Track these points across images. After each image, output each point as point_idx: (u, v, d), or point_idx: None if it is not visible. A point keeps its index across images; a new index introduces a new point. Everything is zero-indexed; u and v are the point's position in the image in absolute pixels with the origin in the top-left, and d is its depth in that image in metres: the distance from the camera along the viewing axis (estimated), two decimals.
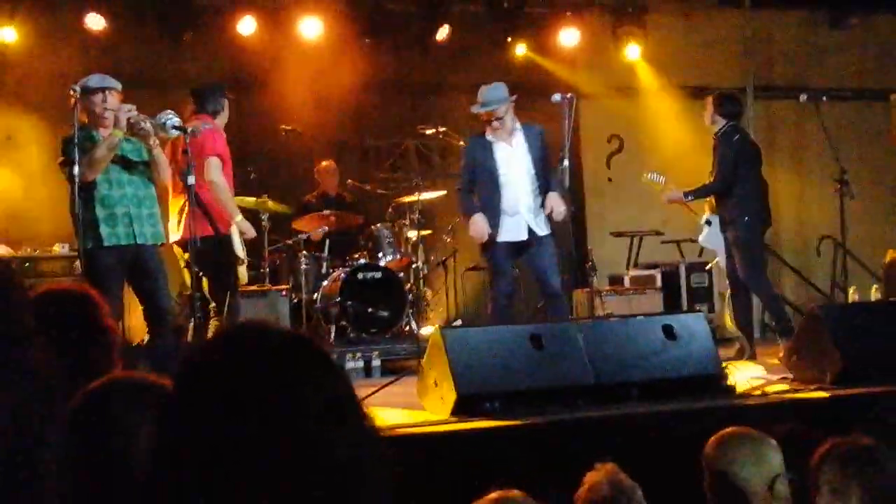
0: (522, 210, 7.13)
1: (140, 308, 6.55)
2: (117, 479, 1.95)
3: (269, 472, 1.32)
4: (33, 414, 1.59)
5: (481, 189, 7.19)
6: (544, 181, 7.18)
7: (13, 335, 1.63)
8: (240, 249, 6.85)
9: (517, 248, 7.17)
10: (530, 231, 7.13)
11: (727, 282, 8.18)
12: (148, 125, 6.33)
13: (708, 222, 8.08)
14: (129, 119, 6.29)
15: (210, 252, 6.63)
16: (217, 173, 6.76)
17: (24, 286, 1.75)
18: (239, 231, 6.93)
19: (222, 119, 7.20)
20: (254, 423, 1.33)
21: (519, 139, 7.22)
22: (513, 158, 7.18)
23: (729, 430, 3.33)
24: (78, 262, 6.49)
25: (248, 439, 1.33)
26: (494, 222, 7.08)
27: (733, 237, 7.83)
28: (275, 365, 1.38)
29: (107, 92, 6.45)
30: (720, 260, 8.14)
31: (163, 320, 6.47)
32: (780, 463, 3.24)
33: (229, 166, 7.02)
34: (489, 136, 7.21)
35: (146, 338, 6.41)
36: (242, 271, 6.93)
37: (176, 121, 6.42)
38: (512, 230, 7.12)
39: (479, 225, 7.06)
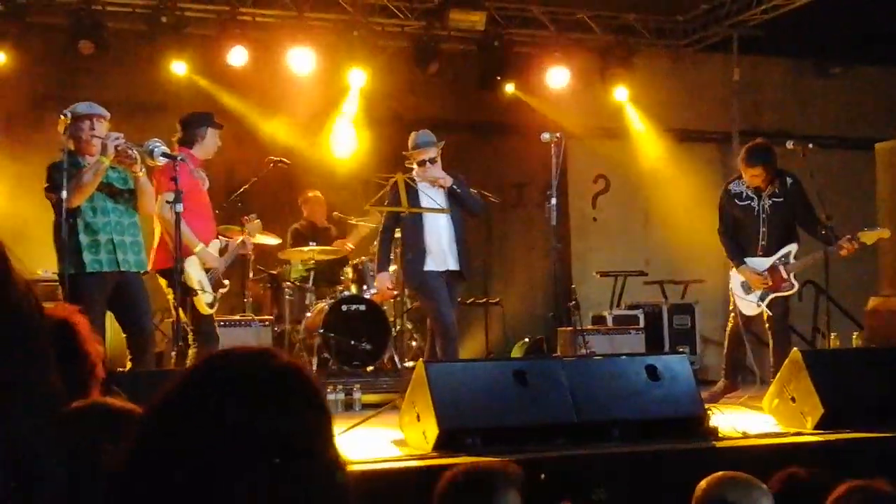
0: (443, 247, 7.41)
1: (118, 335, 6.53)
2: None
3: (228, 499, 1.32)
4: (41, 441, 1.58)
5: (404, 228, 7.49)
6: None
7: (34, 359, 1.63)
8: (195, 280, 6.82)
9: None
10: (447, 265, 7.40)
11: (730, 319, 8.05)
12: (135, 152, 6.33)
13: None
14: (116, 146, 6.28)
15: (171, 282, 6.64)
16: (166, 209, 6.68)
17: (43, 310, 1.74)
18: (201, 261, 6.95)
19: (201, 149, 7.17)
20: (218, 450, 1.33)
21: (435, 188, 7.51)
22: (436, 196, 7.42)
23: (720, 474, 3.29)
24: (59, 288, 6.44)
25: (210, 468, 1.33)
26: (420, 256, 7.36)
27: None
28: (249, 393, 1.38)
29: (94, 119, 6.45)
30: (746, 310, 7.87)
31: (146, 348, 6.45)
32: None
33: (198, 196, 6.98)
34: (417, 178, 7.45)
35: (128, 365, 6.37)
36: (201, 300, 6.91)
37: (163, 148, 6.41)
38: (436, 262, 7.39)
39: (383, 282, 7.65)
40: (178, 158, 6.61)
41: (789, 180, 7.71)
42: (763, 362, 7.98)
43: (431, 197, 7.36)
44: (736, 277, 7.85)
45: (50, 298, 7.80)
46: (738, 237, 7.82)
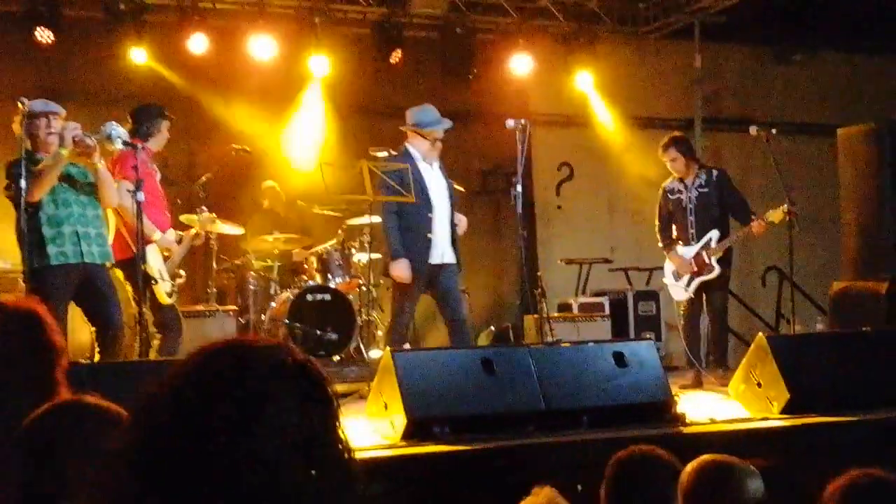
0: (444, 235, 7.26)
1: (83, 328, 6.46)
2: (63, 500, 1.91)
3: (236, 495, 1.30)
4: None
5: (411, 208, 7.16)
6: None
7: None
8: (155, 269, 6.76)
9: (434, 272, 7.23)
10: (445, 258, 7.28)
11: (680, 310, 8.30)
12: (93, 141, 6.25)
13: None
14: (74, 137, 6.19)
15: (129, 272, 6.63)
16: (124, 197, 6.62)
17: None
18: (160, 249, 6.90)
19: (155, 141, 7.22)
20: (224, 444, 1.32)
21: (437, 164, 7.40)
22: (440, 181, 7.31)
23: (707, 456, 3.26)
24: (21, 280, 6.36)
25: (218, 460, 1.31)
26: (425, 243, 7.14)
27: (727, 271, 8.13)
28: (257, 384, 1.38)
29: (51, 116, 6.37)
30: (675, 295, 8.23)
31: (116, 341, 6.38)
32: (762, 491, 3.18)
33: (152, 186, 6.94)
34: (421, 156, 7.26)
35: (96, 358, 6.29)
36: (160, 290, 6.86)
37: (121, 131, 6.33)
38: (437, 252, 7.22)
39: (404, 270, 7.09)
40: (138, 147, 6.56)
41: (715, 172, 8.30)
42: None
43: (435, 181, 7.28)
44: (668, 267, 8.35)
45: (8, 290, 7.74)
46: (674, 229, 8.28)
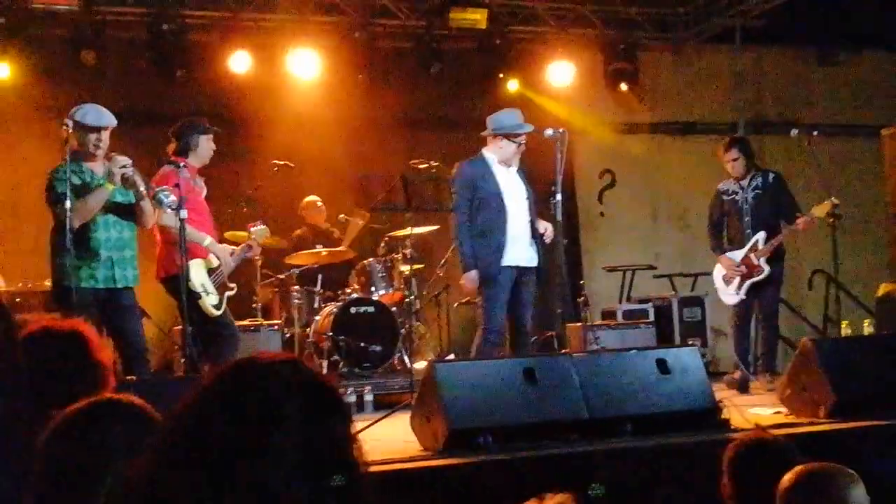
0: (523, 238, 7.21)
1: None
2: (89, 497, 1.94)
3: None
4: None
5: (485, 214, 7.18)
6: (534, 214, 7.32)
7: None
8: (197, 283, 6.82)
9: (513, 277, 7.18)
10: (527, 261, 7.21)
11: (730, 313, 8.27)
12: (142, 188, 6.33)
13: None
14: (123, 175, 6.27)
15: (174, 289, 6.70)
16: (166, 217, 6.67)
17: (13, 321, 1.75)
18: (205, 264, 6.95)
19: (196, 156, 7.15)
20: (247, 456, 1.34)
21: (514, 169, 7.35)
22: (517, 185, 7.28)
23: (807, 465, 3.21)
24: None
25: (227, 470, 1.33)
26: (499, 248, 7.10)
27: (778, 272, 8.12)
28: (272, 399, 1.39)
29: (102, 131, 6.45)
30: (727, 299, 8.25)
31: (139, 359, 6.45)
32: (865, 498, 3.12)
33: (196, 203, 6.98)
34: (498, 161, 7.25)
35: (130, 372, 6.38)
36: (205, 303, 6.91)
37: (172, 199, 6.36)
38: (511, 256, 7.16)
39: (471, 281, 7.13)
40: (181, 165, 6.65)
41: (771, 175, 8.31)
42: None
43: (512, 185, 7.28)
44: (717, 271, 8.33)
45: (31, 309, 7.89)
46: (727, 232, 8.33)
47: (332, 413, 1.43)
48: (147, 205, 6.48)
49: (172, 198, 6.35)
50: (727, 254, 8.18)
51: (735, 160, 8.16)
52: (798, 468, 3.19)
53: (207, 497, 1.33)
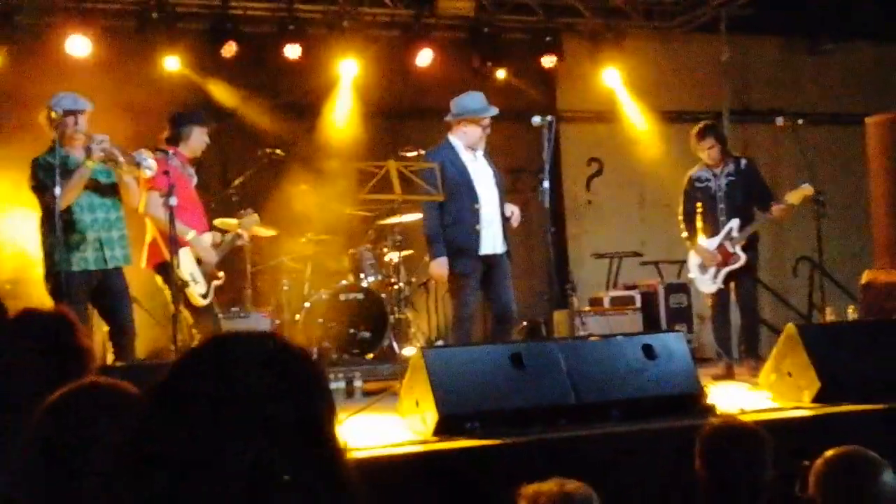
0: (494, 224, 7.17)
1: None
2: (83, 477, 1.96)
3: (225, 481, 1.34)
4: None
5: (455, 201, 7.10)
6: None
7: None
8: (186, 272, 6.86)
9: (487, 263, 7.18)
10: (498, 247, 7.20)
11: (708, 303, 8.29)
12: (121, 159, 6.37)
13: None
14: (102, 150, 6.32)
15: (165, 276, 6.76)
16: (154, 207, 6.77)
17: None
18: (194, 252, 7.00)
19: (187, 146, 7.21)
20: (220, 429, 1.35)
21: (481, 153, 7.33)
22: (485, 170, 7.25)
23: (839, 449, 3.25)
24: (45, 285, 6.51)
25: (211, 446, 1.35)
26: (474, 235, 7.08)
27: (753, 259, 8.10)
28: (251, 375, 1.40)
29: (78, 115, 6.49)
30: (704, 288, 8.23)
31: (126, 339, 6.52)
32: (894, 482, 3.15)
33: (186, 191, 7.02)
34: (465, 146, 7.22)
35: (109, 359, 6.43)
36: (193, 292, 6.96)
37: (150, 162, 6.41)
38: (488, 243, 7.14)
39: (441, 267, 7.05)
40: (170, 153, 6.69)
41: (744, 161, 8.27)
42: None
43: (481, 171, 7.23)
44: (693, 260, 8.27)
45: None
46: (701, 218, 8.19)
47: (308, 386, 1.44)
48: (130, 180, 6.53)
49: (150, 160, 6.40)
50: (701, 242, 8.14)
51: (711, 147, 8.11)
52: (828, 453, 3.24)
53: (186, 471, 1.34)
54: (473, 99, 7.30)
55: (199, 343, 1.50)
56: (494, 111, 7.22)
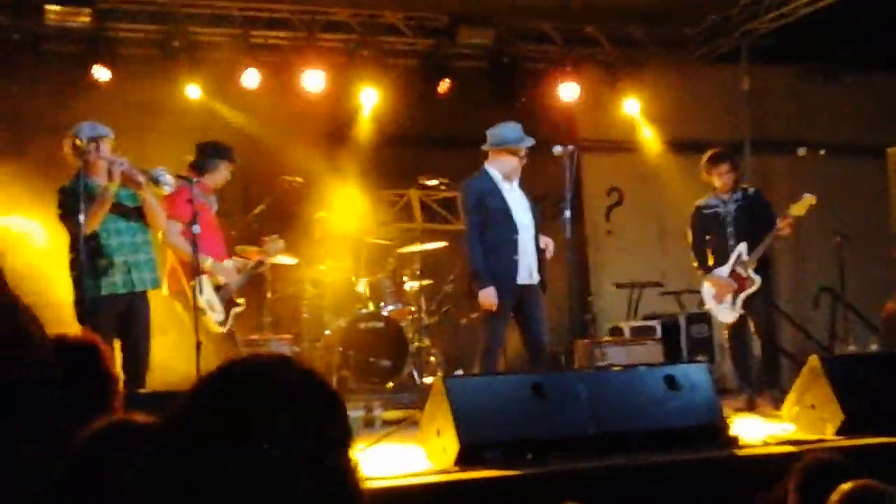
0: (530, 253, 7.16)
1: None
2: None
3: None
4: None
5: (494, 230, 7.09)
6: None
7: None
8: (203, 300, 6.87)
9: (521, 293, 7.16)
10: (533, 277, 7.17)
11: (725, 334, 8.22)
12: (140, 178, 6.43)
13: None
14: (122, 172, 6.38)
15: (185, 304, 6.85)
16: (174, 236, 6.89)
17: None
18: (211, 280, 7.02)
19: (211, 177, 7.39)
20: (234, 458, 1.34)
21: (516, 183, 7.33)
22: (521, 199, 7.26)
23: (858, 483, 3.17)
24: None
25: (227, 472, 1.34)
26: (512, 265, 7.06)
27: (766, 281, 7.99)
28: (264, 400, 1.39)
29: (99, 141, 6.54)
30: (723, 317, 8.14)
31: (141, 368, 6.54)
32: None
33: (206, 218, 7.08)
34: (502, 176, 7.22)
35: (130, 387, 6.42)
36: (210, 320, 6.98)
37: (168, 178, 6.48)
38: (524, 273, 7.11)
39: (491, 297, 6.96)
40: (192, 181, 6.74)
41: (751, 190, 8.25)
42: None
43: (517, 201, 7.22)
44: (707, 291, 8.18)
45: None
46: (710, 246, 8.15)
47: (324, 414, 1.42)
48: (155, 202, 6.57)
49: (168, 176, 6.46)
50: (714, 272, 8.06)
51: (727, 173, 8.06)
52: (845, 486, 3.20)
53: (199, 498, 1.33)
54: (511, 129, 7.32)
55: (214, 369, 1.48)
56: (531, 142, 7.21)
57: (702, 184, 8.43)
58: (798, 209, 7.81)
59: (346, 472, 1.42)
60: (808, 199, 7.79)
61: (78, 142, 6.43)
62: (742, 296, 7.92)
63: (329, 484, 1.38)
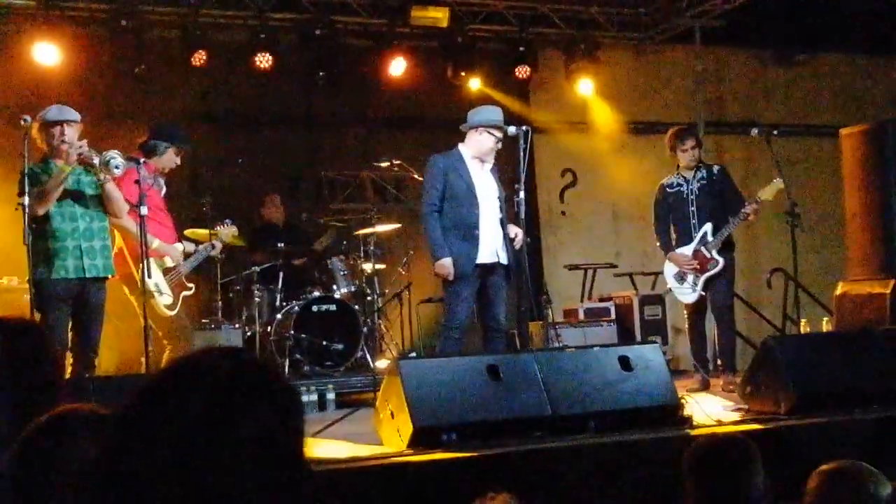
0: (493, 234, 7.13)
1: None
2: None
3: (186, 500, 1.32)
4: None
5: (455, 207, 7.08)
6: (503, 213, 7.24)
7: None
8: (151, 283, 6.78)
9: (484, 273, 7.12)
10: (496, 257, 7.13)
11: (685, 314, 8.21)
12: (95, 160, 6.34)
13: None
14: (79, 154, 6.28)
15: (132, 287, 6.81)
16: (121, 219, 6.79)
17: None
18: (158, 263, 6.93)
19: (159, 160, 7.32)
20: (187, 449, 1.33)
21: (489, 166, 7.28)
22: (489, 182, 7.22)
23: (835, 463, 3.20)
24: (26, 295, 6.46)
25: (174, 467, 1.32)
26: (471, 243, 7.03)
27: (730, 263, 7.95)
28: (216, 394, 1.37)
29: (65, 125, 6.45)
30: (683, 297, 8.12)
31: (90, 354, 6.46)
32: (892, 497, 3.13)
33: (154, 201, 7.03)
34: (473, 156, 7.20)
35: (68, 368, 6.33)
36: (158, 303, 6.89)
37: (119, 161, 6.40)
38: (485, 251, 7.08)
39: (447, 266, 6.94)
40: (140, 162, 6.65)
41: (716, 168, 8.17)
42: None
43: (484, 181, 7.16)
44: (669, 270, 8.13)
45: (13, 307, 7.79)
46: (673, 225, 8.09)
47: (274, 402, 1.41)
48: (112, 190, 6.51)
49: (119, 160, 6.38)
50: (677, 250, 8.02)
51: (693, 148, 8.00)
52: (824, 467, 3.19)
53: (154, 495, 1.32)
54: (493, 110, 7.34)
55: (167, 364, 1.48)
56: (512, 130, 7.13)
57: (656, 164, 8.46)
58: (767, 193, 7.79)
59: (299, 462, 1.42)
60: (777, 185, 7.77)
61: (23, 122, 6.30)
62: (704, 276, 7.89)
63: (282, 475, 1.38)
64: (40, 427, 2.07)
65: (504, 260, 7.10)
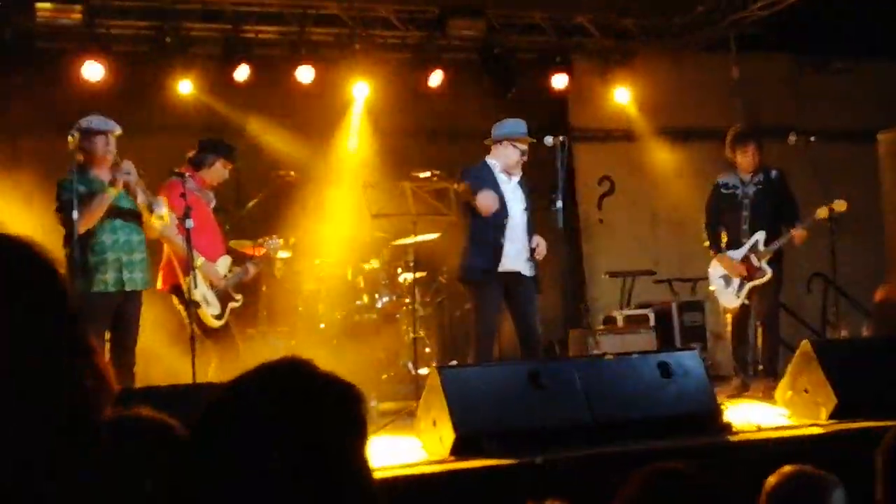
0: (519, 245, 7.19)
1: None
2: None
3: None
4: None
5: (484, 217, 7.15)
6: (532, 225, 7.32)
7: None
8: (198, 294, 6.90)
9: (510, 282, 7.19)
10: (521, 267, 7.21)
11: (727, 316, 8.18)
12: (140, 198, 6.48)
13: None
14: (125, 182, 6.41)
15: (180, 298, 6.93)
16: (169, 228, 6.88)
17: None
18: (204, 276, 7.06)
19: (207, 174, 7.46)
20: (258, 462, 1.36)
21: (516, 179, 7.38)
22: (517, 194, 7.30)
23: (790, 467, 3.24)
24: None
25: (249, 480, 1.36)
26: (497, 252, 7.11)
27: (778, 274, 7.90)
28: (287, 409, 1.41)
29: (109, 135, 6.57)
30: (726, 301, 8.08)
31: (126, 363, 6.53)
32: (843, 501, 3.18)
33: (202, 214, 7.14)
34: (501, 169, 7.28)
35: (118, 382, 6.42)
36: (206, 313, 7.02)
37: (163, 212, 6.59)
38: (509, 260, 7.16)
39: (489, 197, 7.08)
40: (185, 176, 6.77)
41: (774, 172, 8.02)
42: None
43: (511, 193, 7.30)
44: (715, 272, 8.08)
45: None
46: (724, 227, 8.03)
47: (343, 416, 1.45)
48: (146, 215, 6.61)
49: (163, 209, 6.49)
50: (726, 252, 7.93)
51: (752, 153, 7.90)
52: (781, 470, 3.24)
53: (218, 496, 1.36)
54: (516, 123, 7.47)
55: (234, 379, 1.50)
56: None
57: (692, 171, 8.45)
58: (823, 213, 7.72)
59: (361, 476, 1.46)
60: (839, 205, 7.70)
61: (71, 136, 6.43)
62: (749, 284, 7.83)
63: (346, 485, 1.41)
64: (102, 430, 2.13)
65: (527, 272, 7.18)
